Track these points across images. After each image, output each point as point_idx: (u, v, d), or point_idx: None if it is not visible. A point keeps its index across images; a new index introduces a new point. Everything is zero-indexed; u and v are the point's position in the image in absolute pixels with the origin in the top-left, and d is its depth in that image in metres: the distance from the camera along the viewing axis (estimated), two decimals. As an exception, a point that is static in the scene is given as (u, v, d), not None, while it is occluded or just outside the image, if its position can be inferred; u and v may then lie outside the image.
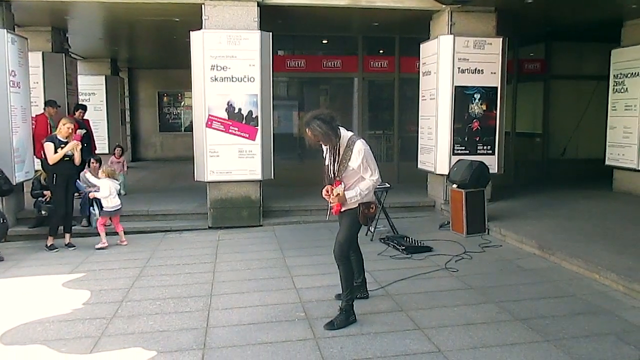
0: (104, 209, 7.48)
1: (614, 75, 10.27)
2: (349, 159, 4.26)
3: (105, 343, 4.18)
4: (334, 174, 4.36)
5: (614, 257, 5.79)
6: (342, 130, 4.35)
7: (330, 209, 4.52)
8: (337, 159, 4.34)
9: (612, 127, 10.34)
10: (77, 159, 7.10)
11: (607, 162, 10.46)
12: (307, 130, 4.28)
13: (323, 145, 4.41)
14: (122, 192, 10.51)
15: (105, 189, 7.35)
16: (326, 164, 4.47)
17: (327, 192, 4.35)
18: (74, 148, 7.02)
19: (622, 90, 10.07)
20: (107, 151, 13.50)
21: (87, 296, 5.27)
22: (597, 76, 11.54)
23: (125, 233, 7.56)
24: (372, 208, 4.46)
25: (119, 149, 11.15)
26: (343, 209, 4.43)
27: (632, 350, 3.89)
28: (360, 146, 4.25)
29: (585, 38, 11.69)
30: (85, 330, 4.43)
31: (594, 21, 10.02)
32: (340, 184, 4.33)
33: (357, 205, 4.38)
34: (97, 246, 7.18)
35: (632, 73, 9.83)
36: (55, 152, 6.95)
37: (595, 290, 5.21)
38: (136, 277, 5.87)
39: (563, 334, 4.18)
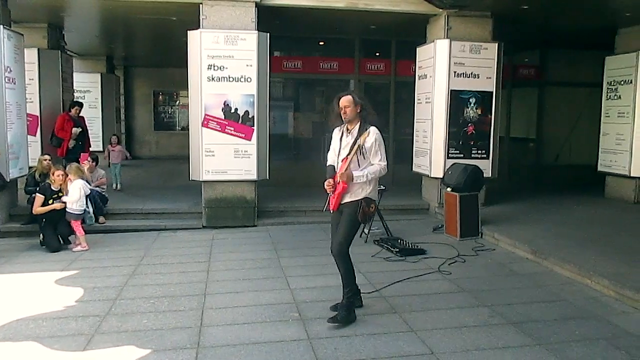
0: (68, 211, 6.99)
1: (608, 83, 10.35)
2: (364, 141, 4.34)
3: (99, 341, 4.17)
4: (348, 158, 4.36)
5: (606, 263, 5.83)
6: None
7: (328, 203, 4.56)
8: (350, 141, 4.43)
9: (605, 133, 10.41)
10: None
11: (599, 169, 10.54)
12: (343, 98, 4.44)
13: (338, 128, 4.57)
14: (118, 186, 10.60)
15: (76, 192, 7.00)
16: (332, 150, 4.60)
17: (329, 184, 4.44)
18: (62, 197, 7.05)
19: (615, 97, 10.16)
20: (101, 149, 13.46)
21: (80, 294, 5.26)
22: (591, 83, 11.60)
23: (119, 231, 7.53)
24: (372, 207, 4.50)
25: (114, 137, 11.53)
26: (343, 201, 4.45)
27: (622, 355, 3.93)
28: (375, 130, 4.42)
29: (580, 45, 11.78)
30: (79, 327, 4.42)
31: (589, 29, 10.11)
32: (346, 162, 4.35)
33: (357, 199, 4.41)
34: (75, 249, 6.96)
35: (625, 80, 9.91)
36: (45, 203, 6.95)
37: (586, 296, 5.25)
38: (130, 275, 5.86)
39: (554, 338, 4.21)
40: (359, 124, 4.45)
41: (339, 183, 4.40)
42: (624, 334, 4.32)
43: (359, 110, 4.43)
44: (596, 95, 10.89)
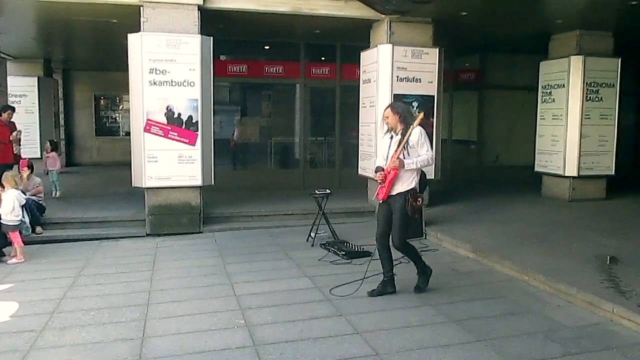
0: (3, 223, 6.64)
1: (543, 86, 10.82)
2: (410, 135, 4.95)
3: (34, 357, 4.00)
4: (398, 151, 4.94)
5: (542, 259, 6.09)
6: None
7: (377, 193, 5.13)
8: (399, 139, 5.03)
9: (540, 135, 10.87)
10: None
11: (536, 169, 11.00)
12: (384, 110, 5.19)
13: (386, 134, 5.21)
14: (57, 193, 10.19)
15: (9, 203, 6.67)
16: (381, 155, 5.26)
17: (380, 175, 5.05)
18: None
19: (550, 101, 10.63)
20: (39, 155, 12.94)
21: (15, 308, 5.03)
22: (528, 87, 12.10)
23: (58, 241, 7.23)
24: (420, 200, 5.07)
25: (47, 143, 11.08)
26: (393, 193, 5.02)
27: (557, 347, 4.11)
28: (420, 128, 5.05)
29: (517, 50, 12.26)
30: (12, 343, 4.22)
31: (524, 35, 10.52)
32: (397, 153, 4.94)
33: (406, 189, 4.98)
34: (10, 261, 6.63)
35: (559, 84, 10.39)
36: None
37: (525, 291, 5.46)
38: (69, 287, 5.64)
39: (495, 334, 4.36)
40: (403, 126, 5.04)
41: (389, 172, 4.97)
42: (559, 327, 4.51)
43: (399, 117, 5.05)
44: (533, 99, 11.35)
